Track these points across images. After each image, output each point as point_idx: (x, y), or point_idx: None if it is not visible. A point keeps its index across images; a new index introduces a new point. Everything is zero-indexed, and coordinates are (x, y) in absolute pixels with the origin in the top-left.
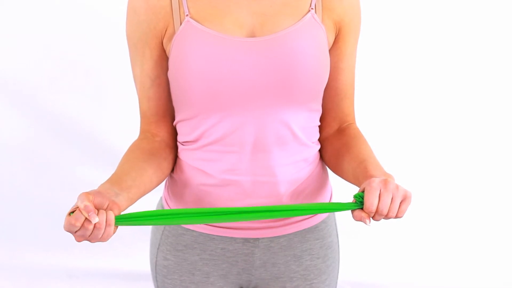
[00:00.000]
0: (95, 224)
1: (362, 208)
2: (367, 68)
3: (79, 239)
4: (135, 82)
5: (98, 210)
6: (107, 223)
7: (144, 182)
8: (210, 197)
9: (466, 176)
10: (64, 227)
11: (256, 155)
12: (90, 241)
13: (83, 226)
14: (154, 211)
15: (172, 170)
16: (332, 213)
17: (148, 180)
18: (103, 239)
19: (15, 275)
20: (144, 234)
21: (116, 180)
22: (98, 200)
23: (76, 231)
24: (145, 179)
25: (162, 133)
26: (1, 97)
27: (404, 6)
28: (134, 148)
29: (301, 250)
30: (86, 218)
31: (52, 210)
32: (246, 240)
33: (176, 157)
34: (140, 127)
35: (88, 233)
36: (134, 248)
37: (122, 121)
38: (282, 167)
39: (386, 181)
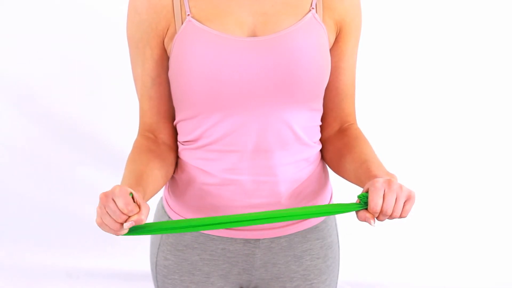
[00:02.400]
0: (120, 223)
1: (366, 209)
2: (368, 68)
3: (104, 201)
4: (135, 82)
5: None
6: (119, 231)
7: (153, 194)
8: (210, 197)
9: (466, 176)
10: (114, 193)
11: (257, 154)
12: (98, 212)
13: (118, 213)
14: (159, 223)
15: None
16: None
17: (156, 191)
18: (102, 227)
19: (15, 275)
20: None
21: (143, 191)
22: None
23: (108, 208)
24: (155, 190)
25: (163, 134)
26: (1, 97)
27: (404, 6)
28: (146, 151)
29: (301, 250)
30: (128, 216)
31: (52, 210)
32: (246, 240)
33: (177, 159)
34: (140, 126)
35: (111, 213)
36: (134, 248)
37: (122, 121)
38: (283, 167)
39: (390, 181)
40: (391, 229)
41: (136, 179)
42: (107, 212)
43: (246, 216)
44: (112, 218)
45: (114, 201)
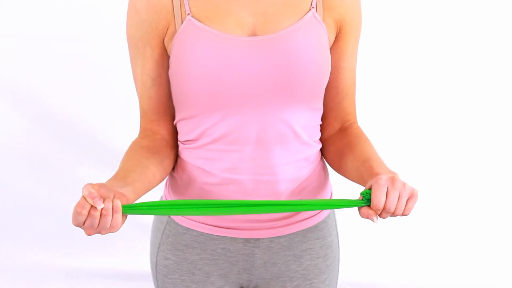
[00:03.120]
0: (101, 211)
1: (369, 205)
2: (369, 67)
3: (89, 232)
4: (135, 81)
5: (104, 199)
6: (114, 210)
7: (148, 178)
8: (211, 196)
9: (466, 176)
10: (72, 221)
11: (257, 153)
12: (100, 232)
13: (90, 214)
14: (162, 201)
15: (173, 169)
16: (332, 213)
17: (151, 176)
18: (112, 228)
19: (15, 275)
20: (144, 233)
21: (121, 175)
22: (103, 191)
23: (84, 222)
24: (149, 175)
25: (163, 132)
26: (1, 97)
27: (404, 6)
28: (136, 147)
29: (301, 250)
30: (92, 205)
31: (52, 210)
32: (246, 240)
33: (177, 156)
34: (140, 126)
35: (96, 221)
36: (134, 248)
37: (122, 121)
38: (283, 166)
39: (394, 178)
40: (392, 229)
41: (117, 176)
42: (96, 226)
43: (252, 202)
44: (98, 219)
45: (84, 221)
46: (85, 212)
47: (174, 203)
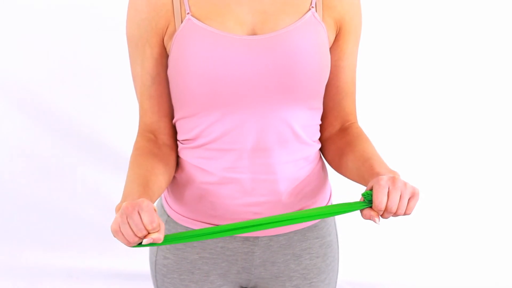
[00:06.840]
0: (139, 237)
1: (370, 207)
2: (369, 67)
3: (128, 211)
4: (134, 81)
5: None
6: (132, 243)
7: (161, 188)
8: (210, 195)
9: (466, 176)
10: (142, 206)
11: (256, 153)
12: (117, 220)
13: (141, 227)
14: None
15: None
16: None
17: (165, 184)
18: (117, 234)
19: (15, 275)
20: None
21: (150, 199)
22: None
23: (131, 219)
24: (159, 196)
25: (163, 135)
26: (1, 97)
27: (405, 6)
28: (150, 154)
29: (300, 249)
30: (148, 232)
31: (52, 210)
32: (245, 238)
33: (178, 158)
34: (140, 126)
35: (132, 225)
36: (134, 248)
37: (122, 121)
38: (282, 165)
39: (394, 178)
40: (392, 229)
41: (143, 187)
42: (128, 222)
43: (250, 222)
44: (132, 230)
45: (139, 214)
46: (148, 229)
47: (180, 236)
